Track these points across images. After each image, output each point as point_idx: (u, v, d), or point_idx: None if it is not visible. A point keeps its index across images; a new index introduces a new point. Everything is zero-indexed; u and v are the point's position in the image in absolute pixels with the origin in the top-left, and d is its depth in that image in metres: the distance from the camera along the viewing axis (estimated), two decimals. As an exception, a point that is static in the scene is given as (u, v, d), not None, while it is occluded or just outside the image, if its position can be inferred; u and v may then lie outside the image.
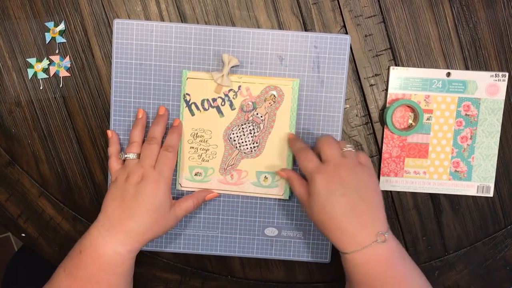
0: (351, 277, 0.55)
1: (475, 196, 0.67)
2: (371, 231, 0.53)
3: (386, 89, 0.65)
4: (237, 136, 0.64)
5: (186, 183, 0.65)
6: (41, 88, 0.65)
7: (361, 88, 0.65)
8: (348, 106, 0.65)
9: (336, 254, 0.67)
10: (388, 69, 0.65)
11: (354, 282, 0.55)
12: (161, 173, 0.59)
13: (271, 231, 0.67)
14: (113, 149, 0.63)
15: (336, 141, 0.58)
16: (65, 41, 0.64)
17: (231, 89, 0.63)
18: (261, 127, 0.64)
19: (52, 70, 0.65)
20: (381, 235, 0.53)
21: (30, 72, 0.65)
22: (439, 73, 0.64)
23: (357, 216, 0.54)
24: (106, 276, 0.56)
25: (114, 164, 0.62)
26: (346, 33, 0.64)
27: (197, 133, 0.64)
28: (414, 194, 0.67)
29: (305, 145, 0.61)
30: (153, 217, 0.58)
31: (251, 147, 0.65)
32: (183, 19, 0.64)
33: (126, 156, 0.61)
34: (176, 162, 0.63)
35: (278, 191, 0.65)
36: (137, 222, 0.57)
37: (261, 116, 0.64)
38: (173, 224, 0.60)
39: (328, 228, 0.55)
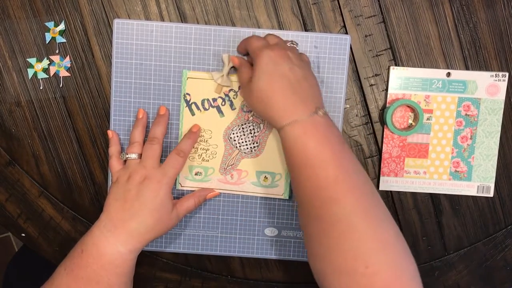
0: (288, 153, 0.55)
1: (475, 196, 0.67)
2: (311, 104, 0.54)
3: (386, 89, 0.65)
4: (237, 136, 0.64)
5: (186, 182, 0.65)
6: (41, 88, 0.65)
7: (361, 88, 0.65)
8: (348, 106, 0.65)
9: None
10: (388, 69, 0.65)
11: (290, 159, 0.54)
12: (166, 175, 0.59)
13: (271, 231, 0.67)
14: (114, 149, 0.63)
15: None
16: (65, 41, 0.64)
17: (231, 89, 0.63)
18: (261, 127, 0.64)
19: (52, 70, 0.65)
20: (321, 109, 0.54)
21: (30, 72, 0.65)
22: (439, 73, 0.64)
23: (301, 90, 0.55)
24: (107, 275, 0.56)
25: (115, 164, 0.62)
26: (346, 33, 0.64)
27: (197, 133, 0.64)
28: (414, 194, 0.67)
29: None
30: (155, 217, 0.58)
31: (251, 147, 0.65)
32: (183, 19, 0.64)
33: (127, 156, 0.61)
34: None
35: (278, 191, 0.65)
36: (139, 222, 0.57)
37: (261, 116, 0.64)
38: (174, 223, 0.60)
39: (270, 102, 0.55)
